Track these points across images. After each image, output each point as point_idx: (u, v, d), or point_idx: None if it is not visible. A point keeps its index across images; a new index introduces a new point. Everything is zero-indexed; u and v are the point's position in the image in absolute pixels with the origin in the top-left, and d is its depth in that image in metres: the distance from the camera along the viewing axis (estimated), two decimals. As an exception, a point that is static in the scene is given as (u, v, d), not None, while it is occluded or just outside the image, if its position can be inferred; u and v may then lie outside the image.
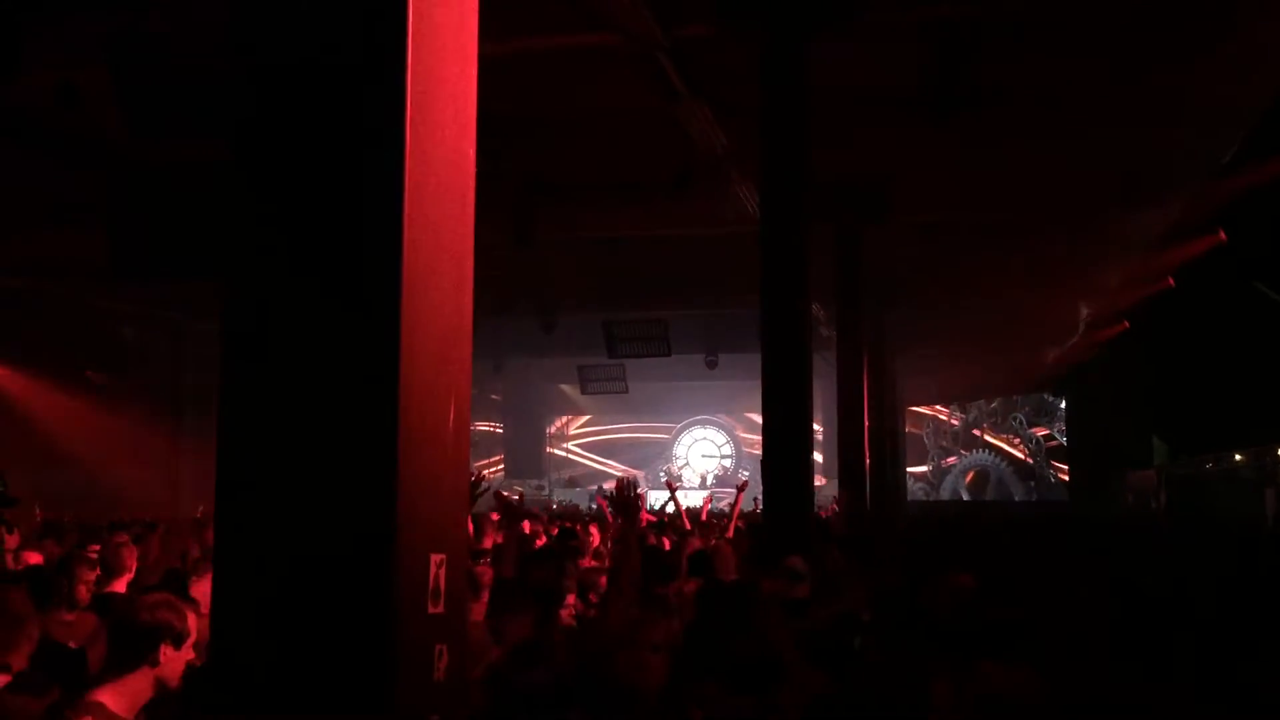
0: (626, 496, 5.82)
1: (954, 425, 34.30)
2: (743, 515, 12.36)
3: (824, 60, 10.17)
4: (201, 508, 10.15)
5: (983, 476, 33.47)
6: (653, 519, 12.73)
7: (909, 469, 33.49)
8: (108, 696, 3.22)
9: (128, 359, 22.64)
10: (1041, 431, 32.56)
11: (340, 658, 2.39)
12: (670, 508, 13.15)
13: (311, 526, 2.45)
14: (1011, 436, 33.18)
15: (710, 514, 15.28)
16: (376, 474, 2.43)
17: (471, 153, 2.81)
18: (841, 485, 15.73)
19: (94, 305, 20.23)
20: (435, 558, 2.56)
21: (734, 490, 12.31)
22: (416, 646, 2.49)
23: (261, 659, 2.45)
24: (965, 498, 32.80)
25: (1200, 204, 15.40)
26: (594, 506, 19.68)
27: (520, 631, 4.31)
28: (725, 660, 3.87)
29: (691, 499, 25.37)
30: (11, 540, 7.03)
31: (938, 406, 34.23)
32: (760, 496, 10.26)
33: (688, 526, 10.78)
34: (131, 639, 3.45)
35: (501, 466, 35.71)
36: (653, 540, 9.68)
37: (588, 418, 37.71)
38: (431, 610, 2.54)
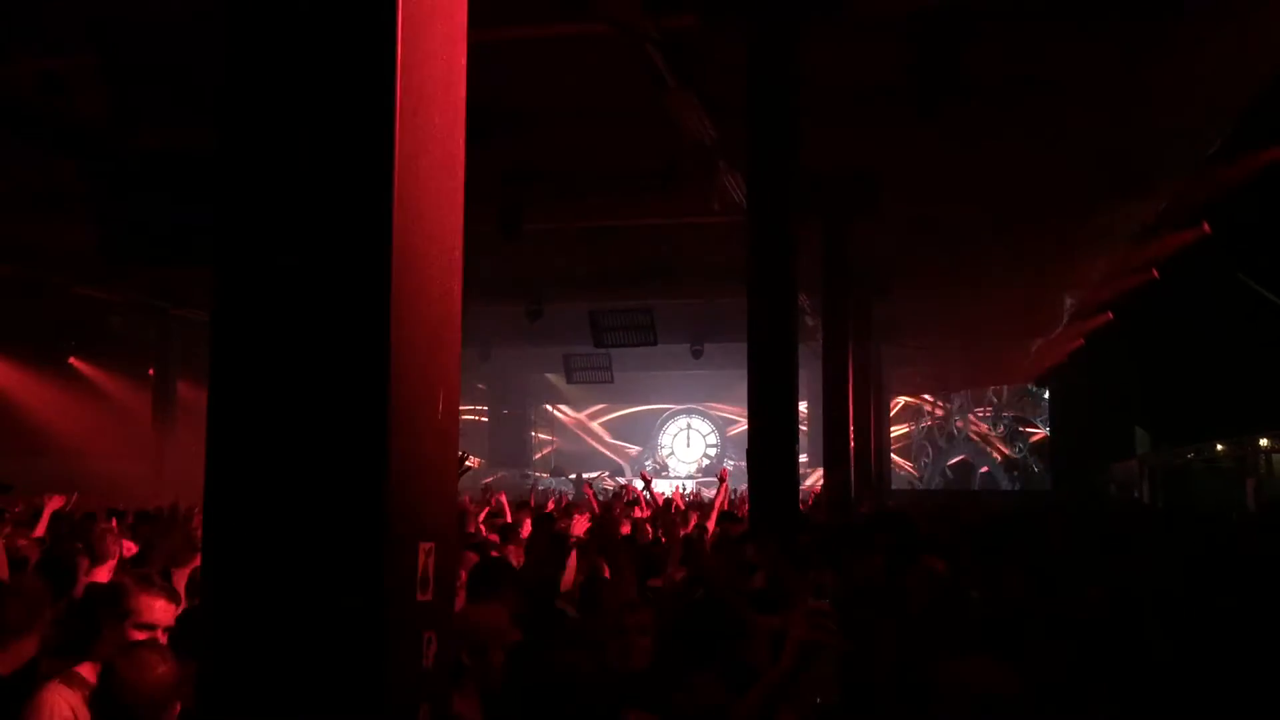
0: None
1: (938, 415, 34.43)
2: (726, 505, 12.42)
3: (812, 52, 10.20)
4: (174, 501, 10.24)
5: (966, 466, 33.64)
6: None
7: (894, 459, 33.64)
8: (88, 670, 3.42)
9: (114, 347, 22.56)
10: (1024, 421, 32.71)
11: (329, 645, 2.40)
12: (647, 495, 13.29)
13: (300, 514, 2.46)
14: (995, 426, 33.35)
15: (688, 504, 15.39)
16: (365, 462, 2.44)
17: (461, 141, 2.82)
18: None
19: (80, 294, 20.13)
20: (424, 546, 2.57)
21: (716, 480, 12.36)
22: (405, 634, 2.51)
23: (249, 646, 2.46)
24: (948, 487, 32.98)
25: (1185, 196, 15.48)
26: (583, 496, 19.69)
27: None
28: (710, 656, 3.90)
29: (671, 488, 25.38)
30: (3, 528, 7.04)
31: (924, 397, 34.34)
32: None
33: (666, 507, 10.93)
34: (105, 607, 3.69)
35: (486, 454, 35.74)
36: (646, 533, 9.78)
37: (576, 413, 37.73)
38: (420, 598, 2.55)
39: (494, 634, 3.79)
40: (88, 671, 3.52)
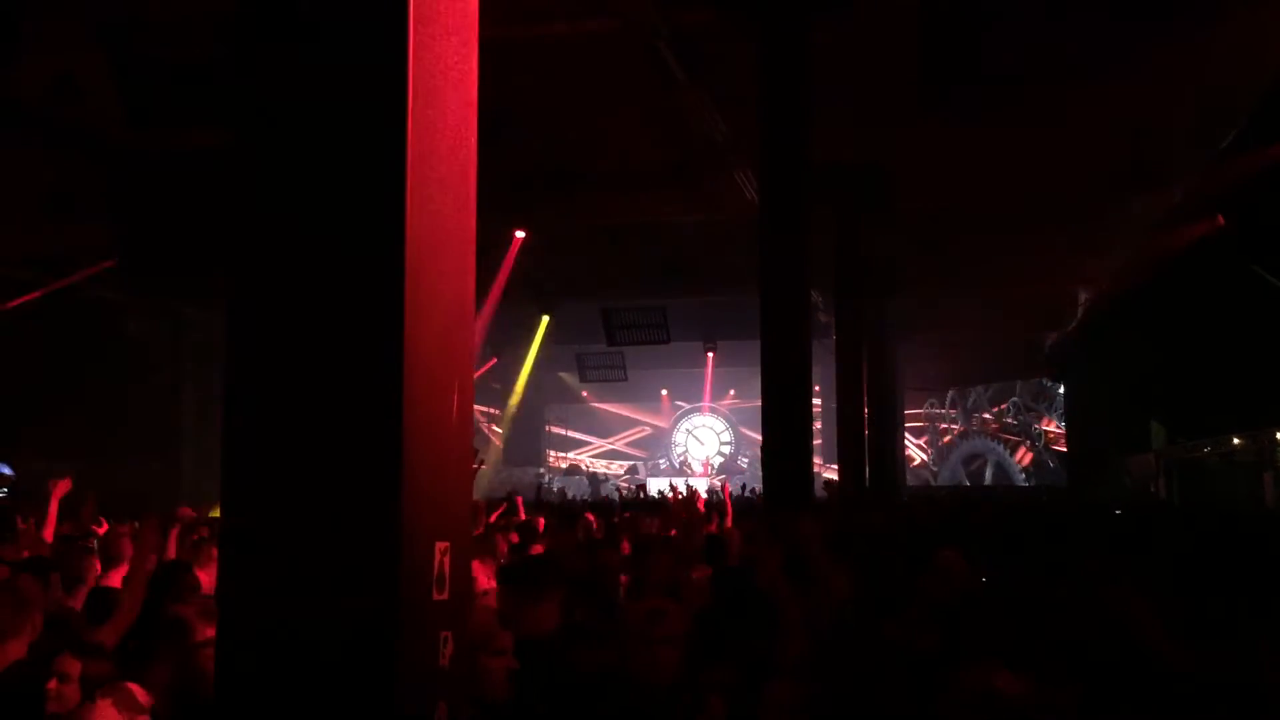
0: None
1: (952, 413, 34.38)
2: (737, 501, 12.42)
3: (824, 46, 10.18)
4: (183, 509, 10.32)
5: (981, 462, 33.55)
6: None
7: (908, 455, 33.59)
8: (134, 683, 3.38)
9: (129, 351, 22.63)
10: (1039, 416, 32.62)
11: (346, 645, 2.41)
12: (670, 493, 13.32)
13: (317, 515, 2.46)
14: (1009, 421, 33.26)
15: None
16: (381, 462, 2.44)
17: (473, 140, 2.82)
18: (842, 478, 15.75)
19: (95, 296, 20.18)
20: (440, 545, 2.57)
21: (735, 476, 12.38)
22: (422, 634, 2.51)
23: (266, 646, 2.47)
24: (966, 483, 32.89)
25: (1199, 188, 15.40)
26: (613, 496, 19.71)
27: (544, 618, 4.26)
28: (740, 647, 3.88)
29: (696, 486, 25.35)
30: (24, 528, 7.06)
31: (938, 393, 34.27)
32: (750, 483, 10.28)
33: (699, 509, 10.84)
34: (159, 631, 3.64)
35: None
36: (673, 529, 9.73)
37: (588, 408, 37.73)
38: (436, 597, 2.55)
39: (480, 637, 3.68)
40: (139, 691, 3.45)
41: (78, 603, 5.50)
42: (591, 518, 11.15)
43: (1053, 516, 13.53)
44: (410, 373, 2.48)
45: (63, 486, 7.28)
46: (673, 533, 8.34)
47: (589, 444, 38.33)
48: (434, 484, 2.57)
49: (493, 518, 11.01)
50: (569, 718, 3.21)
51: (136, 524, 8.30)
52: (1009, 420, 33.37)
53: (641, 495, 19.14)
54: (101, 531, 7.35)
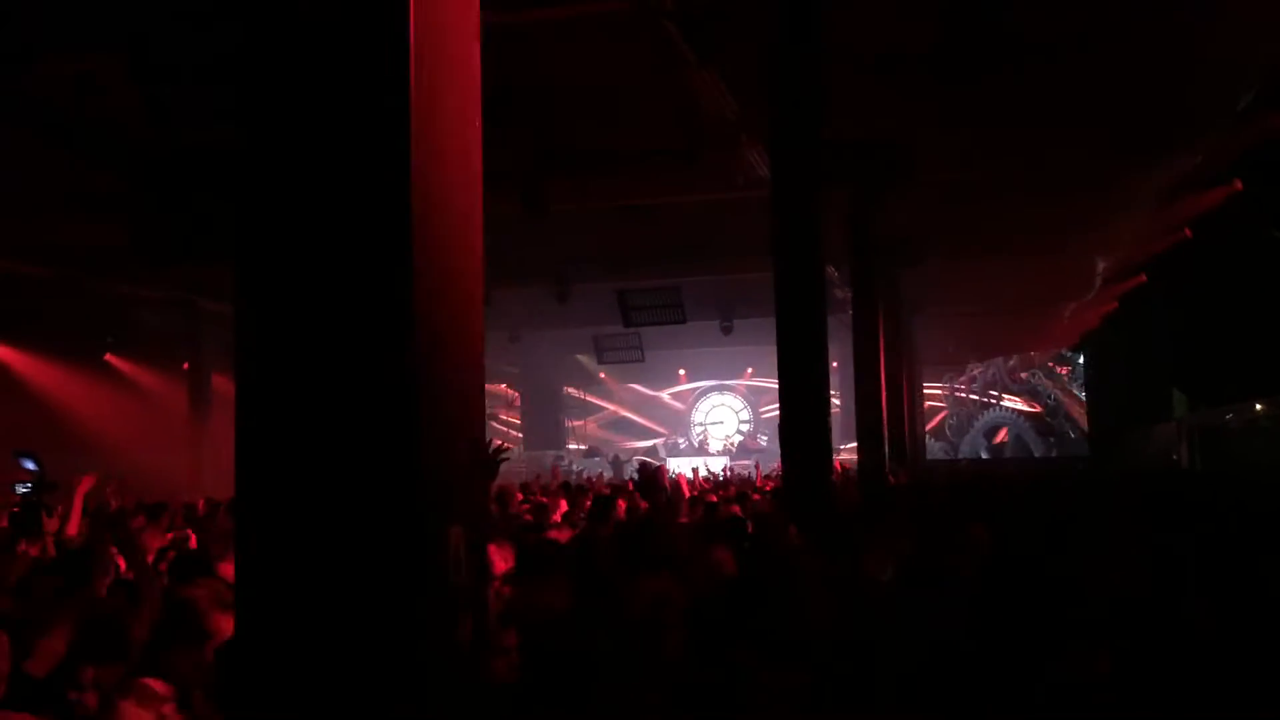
0: (651, 480, 5.99)
1: (971, 386, 34.27)
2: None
3: (838, 18, 10.10)
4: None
5: (1003, 433, 33.48)
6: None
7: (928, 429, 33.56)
8: (153, 678, 3.37)
9: (149, 343, 22.76)
10: (1059, 387, 32.52)
11: (364, 630, 2.41)
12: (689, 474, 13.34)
13: (332, 502, 2.46)
14: (1030, 393, 33.17)
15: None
16: (395, 447, 2.44)
17: (477, 122, 2.81)
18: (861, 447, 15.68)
19: (114, 291, 20.29)
20: (455, 529, 2.57)
21: (753, 455, 12.36)
22: (439, 617, 2.51)
23: (285, 635, 2.47)
24: (985, 455, 32.83)
25: (1216, 154, 15.26)
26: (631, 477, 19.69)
27: (555, 599, 4.29)
28: (769, 630, 3.88)
29: (712, 466, 25.39)
30: (51, 524, 7.08)
31: (956, 367, 34.17)
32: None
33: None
34: (178, 623, 3.65)
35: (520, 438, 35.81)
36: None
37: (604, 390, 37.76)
38: (454, 580, 2.56)
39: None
40: (157, 684, 3.44)
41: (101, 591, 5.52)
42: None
43: (1077, 488, 13.48)
44: (422, 357, 2.48)
45: (87, 482, 7.32)
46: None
47: (607, 424, 38.38)
48: (448, 468, 2.57)
49: (517, 497, 11.07)
50: (577, 695, 3.22)
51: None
52: (1029, 391, 33.26)
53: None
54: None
